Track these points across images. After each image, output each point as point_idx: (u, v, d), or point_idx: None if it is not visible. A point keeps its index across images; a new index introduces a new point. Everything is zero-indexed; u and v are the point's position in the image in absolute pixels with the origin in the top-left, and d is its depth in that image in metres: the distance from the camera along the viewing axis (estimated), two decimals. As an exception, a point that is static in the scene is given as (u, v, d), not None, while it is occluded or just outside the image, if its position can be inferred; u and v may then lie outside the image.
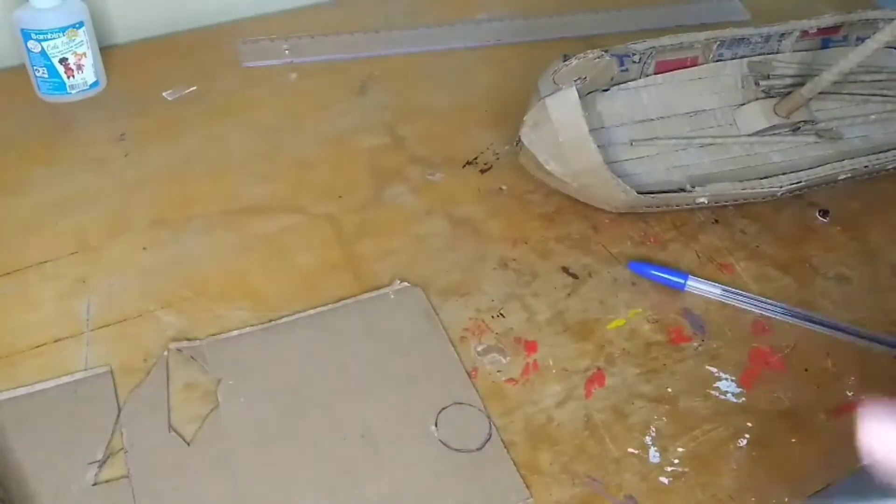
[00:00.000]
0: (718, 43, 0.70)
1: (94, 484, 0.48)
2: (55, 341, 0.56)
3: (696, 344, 0.58)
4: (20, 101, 0.73)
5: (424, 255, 0.63)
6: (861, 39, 0.67)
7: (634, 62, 0.68)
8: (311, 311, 0.58)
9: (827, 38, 0.74)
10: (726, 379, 0.56)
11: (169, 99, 0.75)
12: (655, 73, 0.70)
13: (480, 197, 0.67)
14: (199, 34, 0.82)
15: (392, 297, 0.59)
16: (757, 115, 0.71)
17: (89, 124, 0.72)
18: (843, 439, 0.53)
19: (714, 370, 0.56)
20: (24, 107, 0.72)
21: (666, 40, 0.68)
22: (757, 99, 0.71)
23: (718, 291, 0.60)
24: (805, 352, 0.58)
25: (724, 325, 0.59)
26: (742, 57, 0.72)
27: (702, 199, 0.63)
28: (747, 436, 0.53)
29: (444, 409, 0.52)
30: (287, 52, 0.79)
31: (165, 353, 0.54)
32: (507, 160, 0.69)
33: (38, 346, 0.55)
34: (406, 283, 0.60)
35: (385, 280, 0.60)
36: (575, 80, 0.62)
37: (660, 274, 0.61)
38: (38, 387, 0.52)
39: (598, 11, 0.85)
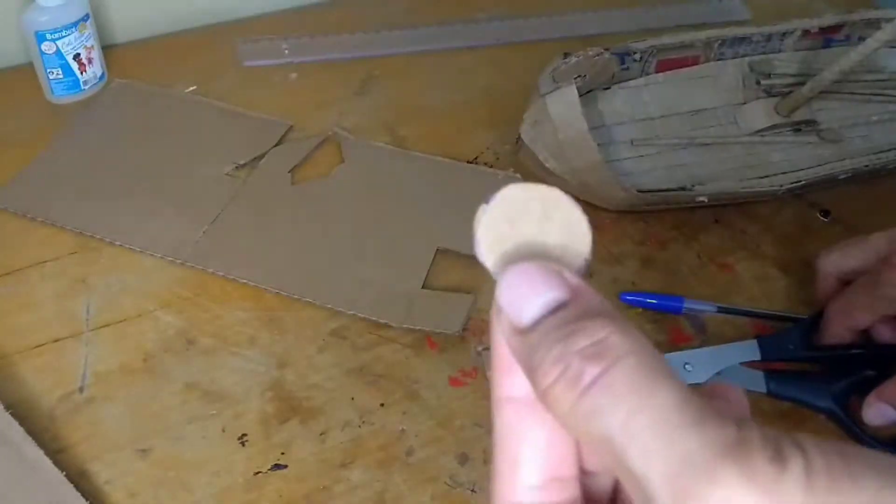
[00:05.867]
0: (720, 42, 0.70)
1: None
2: (55, 341, 0.56)
3: (696, 344, 0.57)
4: (22, 100, 0.73)
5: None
6: (862, 39, 0.66)
7: (635, 61, 0.68)
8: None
9: (828, 37, 0.74)
10: (727, 378, 0.56)
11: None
12: (656, 72, 0.70)
13: (481, 196, 0.67)
14: (199, 34, 0.82)
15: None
16: (758, 115, 0.70)
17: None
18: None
19: (715, 370, 0.56)
20: (26, 106, 0.72)
21: (667, 39, 0.68)
22: (758, 98, 0.71)
23: (713, 310, 0.59)
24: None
25: (724, 325, 0.59)
26: (743, 56, 0.72)
27: (702, 198, 0.63)
28: (748, 435, 0.52)
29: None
30: (287, 51, 0.79)
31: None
32: (507, 160, 0.69)
33: (38, 346, 0.55)
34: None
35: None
36: (575, 78, 0.61)
37: (654, 301, 0.59)
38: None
39: (598, 11, 0.85)
